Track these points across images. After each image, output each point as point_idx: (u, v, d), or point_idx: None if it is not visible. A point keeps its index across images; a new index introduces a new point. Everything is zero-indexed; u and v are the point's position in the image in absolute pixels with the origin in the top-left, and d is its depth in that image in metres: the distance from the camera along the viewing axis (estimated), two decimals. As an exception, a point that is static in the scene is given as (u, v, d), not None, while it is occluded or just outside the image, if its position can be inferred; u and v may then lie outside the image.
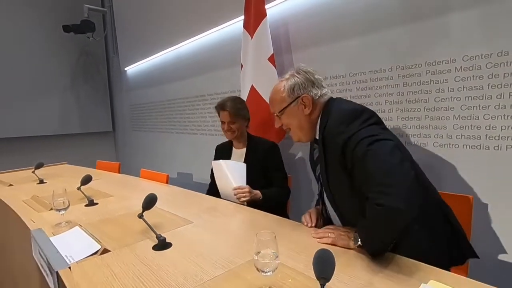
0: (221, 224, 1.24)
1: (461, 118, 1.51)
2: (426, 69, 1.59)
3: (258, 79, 2.21)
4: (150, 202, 1.16)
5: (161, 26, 3.66)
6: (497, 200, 1.40)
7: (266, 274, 0.71)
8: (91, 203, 1.54)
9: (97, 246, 1.00)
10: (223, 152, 1.91)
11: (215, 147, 2.03)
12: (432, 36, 1.55)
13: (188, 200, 1.63)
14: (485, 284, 0.72)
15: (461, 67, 1.49)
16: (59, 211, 1.25)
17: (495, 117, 1.41)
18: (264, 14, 2.14)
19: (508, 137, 1.38)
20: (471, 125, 1.49)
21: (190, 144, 3.62)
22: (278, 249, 0.71)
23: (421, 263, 0.83)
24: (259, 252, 0.72)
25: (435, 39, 1.55)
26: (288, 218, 1.63)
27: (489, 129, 1.43)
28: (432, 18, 1.55)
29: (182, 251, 0.98)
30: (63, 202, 1.25)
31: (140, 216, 1.12)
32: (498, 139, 1.41)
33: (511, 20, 1.31)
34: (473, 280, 0.73)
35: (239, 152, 1.83)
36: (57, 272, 0.85)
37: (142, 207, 1.15)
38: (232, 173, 1.60)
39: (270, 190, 1.66)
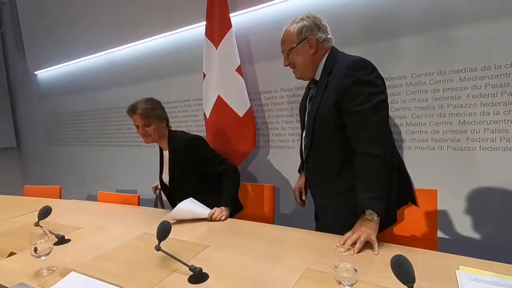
0: (240, 243, 1.19)
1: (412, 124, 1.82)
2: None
3: (226, 89, 2.19)
4: (165, 230, 1.05)
5: (91, 26, 3.24)
6: (444, 188, 1.72)
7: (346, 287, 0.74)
8: (61, 240, 1.28)
9: (125, 292, 0.86)
10: (160, 154, 1.81)
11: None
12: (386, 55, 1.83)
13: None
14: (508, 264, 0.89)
15: (410, 82, 1.80)
16: (41, 257, 1.01)
17: (438, 123, 1.75)
18: (229, 25, 2.14)
19: (448, 139, 1.74)
20: (420, 130, 1.81)
21: (133, 157, 3.30)
22: (356, 263, 0.75)
23: (444, 253, 0.99)
24: (337, 266, 0.75)
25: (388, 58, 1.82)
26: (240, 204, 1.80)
27: (434, 133, 1.77)
28: (386, 40, 1.83)
29: (225, 280, 0.92)
30: (46, 244, 1.02)
31: (158, 248, 1.00)
32: (441, 141, 1.76)
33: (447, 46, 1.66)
34: (496, 262, 0.91)
35: (166, 154, 1.72)
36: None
37: (158, 237, 1.03)
38: (192, 209, 1.47)
39: (226, 192, 1.59)
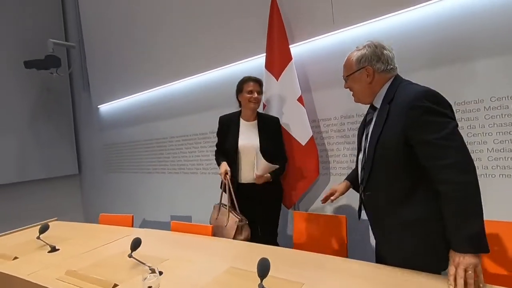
0: (337, 284, 1.16)
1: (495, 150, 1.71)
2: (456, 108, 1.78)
3: (288, 119, 2.23)
4: (266, 269, 1.05)
5: (152, 63, 3.51)
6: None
7: None
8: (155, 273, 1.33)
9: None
10: (230, 124, 2.05)
11: (219, 118, 2.15)
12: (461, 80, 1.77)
13: (251, 252, 1.51)
14: None
15: (489, 106, 1.71)
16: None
17: (527, 149, 1.63)
18: (290, 57, 2.22)
19: (540, 166, 1.60)
20: (505, 157, 1.69)
21: (188, 184, 3.42)
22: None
23: None
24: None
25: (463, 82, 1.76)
26: (282, 191, 2.12)
27: (522, 159, 1.64)
28: (459, 64, 1.77)
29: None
30: (156, 280, 1.07)
31: (262, 287, 1.01)
32: (532, 168, 1.62)
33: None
34: None
35: (250, 124, 2.03)
36: None
37: (260, 276, 1.03)
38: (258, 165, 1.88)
39: (276, 168, 1.91)
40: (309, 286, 1.12)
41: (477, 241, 0.97)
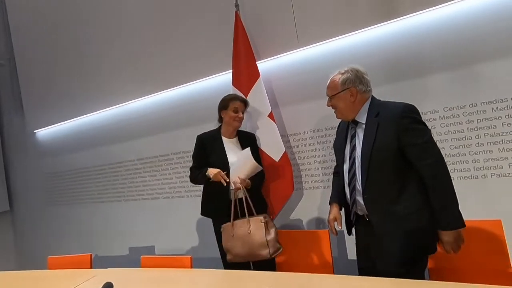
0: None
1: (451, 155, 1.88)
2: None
3: (260, 135, 2.20)
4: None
5: (97, 82, 3.23)
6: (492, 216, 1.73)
7: None
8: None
9: None
10: (212, 142, 2.00)
11: (197, 136, 2.08)
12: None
13: (240, 280, 1.40)
14: None
15: (443, 115, 1.89)
16: None
17: (478, 152, 1.82)
18: (258, 74, 2.21)
19: (490, 166, 1.79)
20: (460, 160, 1.87)
21: (149, 211, 3.14)
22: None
23: None
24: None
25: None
26: (265, 201, 2.10)
27: (474, 162, 1.83)
28: (414, 78, 1.94)
29: None
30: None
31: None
32: (483, 169, 1.81)
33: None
34: None
35: (231, 141, 2.02)
36: None
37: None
38: (241, 163, 1.85)
39: (255, 178, 1.90)
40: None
41: (460, 219, 1.27)
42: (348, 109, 1.46)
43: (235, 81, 2.28)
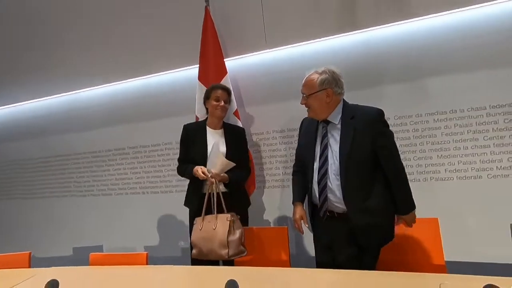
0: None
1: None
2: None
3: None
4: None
5: (50, 64, 2.97)
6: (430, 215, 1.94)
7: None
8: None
9: None
10: (196, 132, 1.96)
11: (183, 126, 2.02)
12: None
13: (198, 276, 1.38)
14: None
15: (394, 123, 2.07)
16: None
17: (421, 158, 2.02)
18: (225, 71, 2.21)
19: (430, 171, 2.00)
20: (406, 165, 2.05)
21: (98, 207, 2.95)
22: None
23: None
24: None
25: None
26: (248, 198, 2.09)
27: (418, 166, 2.03)
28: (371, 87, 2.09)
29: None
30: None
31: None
32: (425, 173, 2.02)
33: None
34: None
35: (217, 133, 1.96)
36: None
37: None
38: (212, 157, 1.81)
39: (236, 173, 1.87)
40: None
41: (414, 204, 1.52)
42: (322, 109, 1.51)
43: (202, 76, 2.26)
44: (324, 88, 1.48)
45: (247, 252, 1.69)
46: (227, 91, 1.97)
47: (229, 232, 1.64)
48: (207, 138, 1.93)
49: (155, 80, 2.63)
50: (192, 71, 2.40)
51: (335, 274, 1.27)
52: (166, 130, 2.65)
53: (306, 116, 1.63)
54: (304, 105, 1.56)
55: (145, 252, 1.59)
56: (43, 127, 3.08)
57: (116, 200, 2.89)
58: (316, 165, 1.54)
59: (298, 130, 1.74)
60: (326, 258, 1.53)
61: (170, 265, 1.52)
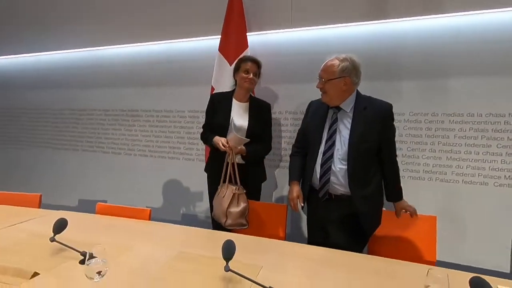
0: (293, 265, 1.21)
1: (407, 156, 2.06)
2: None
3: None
4: (231, 251, 1.02)
5: (72, 18, 2.98)
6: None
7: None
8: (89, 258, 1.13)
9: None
10: (222, 102, 1.96)
11: (211, 95, 2.06)
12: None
13: (196, 237, 1.45)
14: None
15: (408, 119, 2.05)
16: (95, 277, 0.90)
17: (429, 157, 2.02)
18: (246, 45, 2.20)
19: (436, 171, 2.00)
20: (413, 162, 2.06)
21: (104, 165, 3.04)
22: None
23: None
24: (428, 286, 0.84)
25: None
26: (265, 173, 2.08)
27: (425, 165, 2.03)
28: (391, 81, 2.06)
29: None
30: (103, 264, 0.91)
31: (228, 269, 0.97)
32: (431, 173, 2.02)
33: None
34: None
35: (242, 106, 1.96)
36: None
37: (225, 257, 1.00)
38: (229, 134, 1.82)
39: (254, 147, 1.87)
40: (267, 268, 1.14)
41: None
42: (337, 96, 1.54)
43: (222, 47, 2.25)
44: (343, 76, 1.50)
45: (248, 226, 1.75)
46: (257, 64, 1.94)
47: (230, 203, 1.70)
48: (232, 109, 1.93)
49: (176, 46, 2.63)
50: (213, 42, 2.39)
51: (327, 252, 1.32)
52: (180, 97, 2.68)
53: (318, 99, 1.65)
54: (319, 89, 1.57)
55: (149, 208, 1.66)
56: (63, 79, 3.14)
57: (124, 159, 2.97)
58: (321, 148, 1.58)
59: (305, 112, 1.76)
60: (318, 238, 1.58)
61: (171, 224, 1.60)
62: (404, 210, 1.62)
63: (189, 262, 1.17)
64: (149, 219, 1.64)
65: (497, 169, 1.90)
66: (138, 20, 2.72)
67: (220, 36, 2.29)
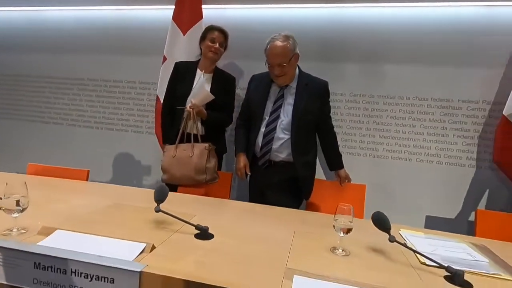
0: (225, 211, 1.27)
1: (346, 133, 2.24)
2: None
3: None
4: (164, 193, 1.05)
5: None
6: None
7: (342, 235, 0.95)
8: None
9: (140, 244, 0.84)
10: (186, 71, 1.93)
11: (175, 63, 2.00)
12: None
13: (133, 194, 1.45)
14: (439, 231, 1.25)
15: (348, 99, 2.23)
16: (13, 213, 0.87)
17: (365, 135, 2.22)
18: (201, 15, 2.20)
19: (370, 148, 2.21)
20: (351, 139, 2.24)
21: (45, 135, 2.84)
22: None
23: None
24: (338, 219, 0.95)
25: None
26: (225, 145, 2.09)
27: (361, 142, 2.23)
28: (334, 63, 2.21)
29: (231, 237, 1.00)
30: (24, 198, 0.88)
31: (158, 210, 1.00)
32: (365, 150, 2.22)
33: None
34: (428, 230, 1.25)
35: (206, 75, 1.92)
36: (140, 272, 0.69)
37: (157, 199, 1.02)
38: (196, 89, 1.82)
39: (215, 114, 1.87)
40: (200, 216, 1.18)
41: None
42: (293, 74, 1.64)
43: (176, 16, 2.22)
44: (295, 52, 1.59)
45: (219, 178, 1.79)
46: (224, 34, 1.91)
47: (207, 160, 1.72)
48: (195, 79, 1.90)
49: (128, 13, 2.53)
50: (166, 12, 2.34)
51: (267, 209, 1.40)
52: (131, 67, 2.59)
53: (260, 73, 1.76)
54: (277, 75, 1.60)
55: (87, 169, 1.61)
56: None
57: (67, 130, 2.80)
58: (265, 120, 1.69)
59: (248, 86, 1.85)
60: (259, 202, 1.66)
61: (108, 184, 1.57)
62: (347, 180, 1.82)
63: (123, 209, 1.18)
64: (87, 180, 1.60)
65: (419, 147, 2.15)
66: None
67: (174, 6, 2.25)
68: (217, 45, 1.88)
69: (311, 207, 1.76)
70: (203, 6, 2.25)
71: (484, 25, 1.98)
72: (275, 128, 1.67)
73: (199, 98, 1.78)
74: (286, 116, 1.66)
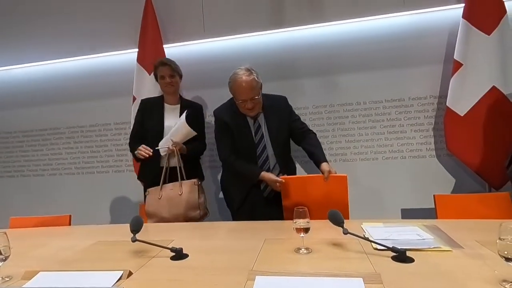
0: (202, 233, 1.35)
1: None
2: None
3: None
4: (139, 223, 1.13)
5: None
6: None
7: (302, 236, 1.05)
8: None
9: (117, 273, 0.91)
10: (153, 107, 1.99)
11: (141, 100, 2.08)
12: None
13: (117, 230, 1.51)
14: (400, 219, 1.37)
15: (311, 111, 2.39)
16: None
17: (333, 142, 2.37)
18: (163, 54, 2.36)
19: (339, 153, 2.35)
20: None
21: (28, 189, 2.87)
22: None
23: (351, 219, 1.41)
24: (296, 221, 1.05)
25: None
26: (202, 172, 2.13)
27: (330, 149, 2.37)
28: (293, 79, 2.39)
29: (205, 255, 1.08)
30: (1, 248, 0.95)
31: (135, 240, 1.08)
32: (334, 155, 2.36)
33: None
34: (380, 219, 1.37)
35: (173, 108, 2.00)
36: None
37: (133, 230, 1.10)
38: (176, 126, 1.86)
39: (192, 145, 1.92)
40: (177, 241, 1.25)
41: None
42: (261, 102, 1.71)
43: (140, 58, 2.38)
44: (260, 83, 1.69)
45: (209, 213, 1.86)
46: (169, 65, 1.96)
47: (198, 195, 1.76)
48: (164, 113, 1.97)
49: (95, 61, 2.67)
50: (132, 55, 2.50)
51: (240, 224, 1.49)
52: (104, 111, 2.70)
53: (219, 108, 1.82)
54: (250, 109, 1.65)
55: (68, 214, 1.67)
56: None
57: (48, 180, 2.84)
58: (257, 153, 1.76)
59: (218, 125, 1.83)
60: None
61: (93, 225, 1.63)
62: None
63: (104, 245, 1.25)
64: (70, 224, 1.65)
65: (382, 146, 2.31)
66: (52, 37, 2.69)
67: (137, 49, 2.41)
68: (167, 80, 1.95)
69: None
70: (164, 46, 2.42)
71: (418, 29, 2.22)
72: (267, 159, 1.77)
73: (180, 136, 1.83)
74: (268, 142, 1.77)
